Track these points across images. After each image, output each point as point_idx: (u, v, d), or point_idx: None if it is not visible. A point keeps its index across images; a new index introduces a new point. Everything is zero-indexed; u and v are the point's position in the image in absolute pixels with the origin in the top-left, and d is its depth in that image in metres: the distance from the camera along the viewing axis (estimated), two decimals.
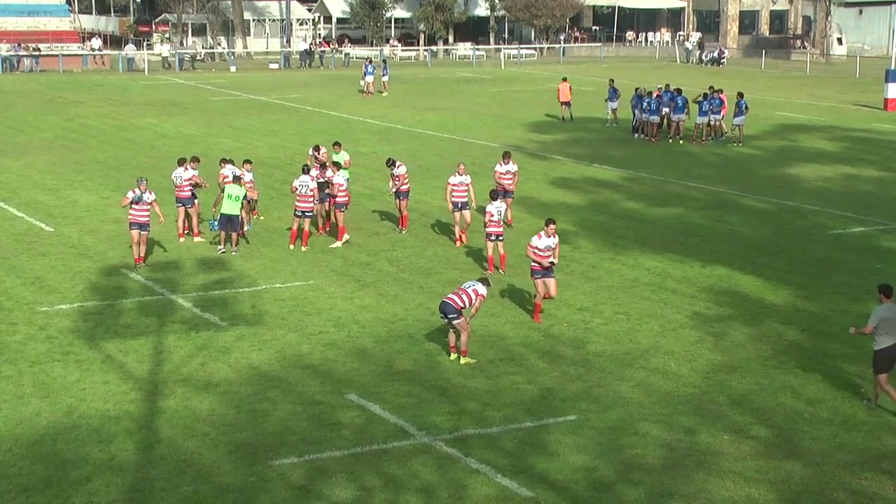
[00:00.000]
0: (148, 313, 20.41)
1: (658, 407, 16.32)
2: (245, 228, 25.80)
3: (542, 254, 19.87)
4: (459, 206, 25.27)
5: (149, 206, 23.29)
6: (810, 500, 13.61)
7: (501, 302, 21.27)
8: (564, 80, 49.55)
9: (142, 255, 23.46)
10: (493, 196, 23.19)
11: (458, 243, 25.60)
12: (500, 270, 23.02)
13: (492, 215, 22.65)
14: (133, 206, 23.13)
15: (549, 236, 20.00)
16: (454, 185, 25.13)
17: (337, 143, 28.75)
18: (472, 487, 13.74)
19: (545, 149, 40.90)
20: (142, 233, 23.29)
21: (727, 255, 25.01)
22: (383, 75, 59.57)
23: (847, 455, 14.79)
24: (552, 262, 20.01)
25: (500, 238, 23.05)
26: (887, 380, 15.98)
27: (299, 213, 24.93)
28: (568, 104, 48.41)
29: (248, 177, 26.20)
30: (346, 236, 25.46)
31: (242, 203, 24.68)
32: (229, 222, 24.41)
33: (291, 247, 25.01)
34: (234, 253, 24.54)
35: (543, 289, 20.03)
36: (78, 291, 21.80)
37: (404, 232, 26.72)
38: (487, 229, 22.81)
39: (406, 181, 26.61)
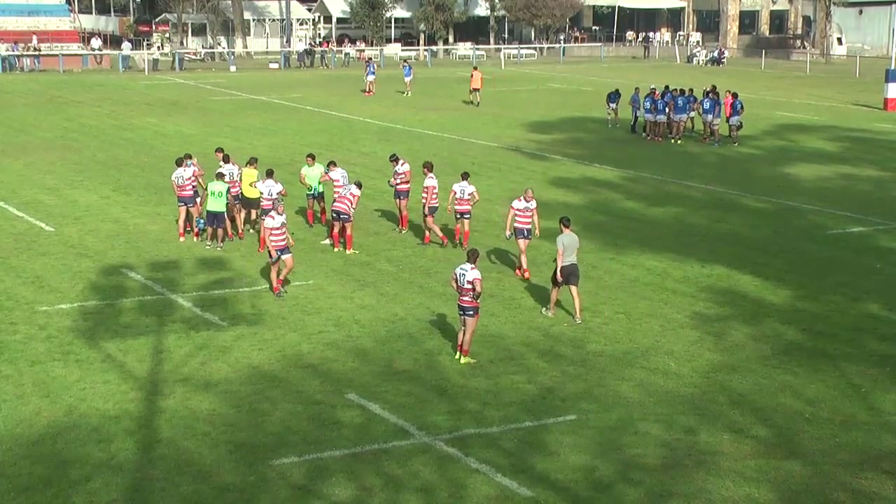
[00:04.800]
0: (148, 313, 20.41)
1: (658, 407, 16.32)
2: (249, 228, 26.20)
3: None
4: (525, 233, 22.86)
5: (284, 227, 21.73)
6: (810, 500, 13.61)
7: (501, 302, 21.27)
8: (475, 68, 56.57)
9: (280, 279, 21.74)
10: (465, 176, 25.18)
11: (523, 274, 23.00)
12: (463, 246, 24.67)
13: (455, 193, 24.67)
14: (273, 230, 21.43)
15: None
16: (518, 210, 22.75)
17: (310, 156, 27.94)
18: (472, 487, 13.74)
19: (544, 149, 40.90)
20: (283, 257, 21.56)
21: (727, 255, 25.02)
22: (406, 76, 59.00)
23: (847, 455, 14.79)
24: None
25: (466, 216, 24.99)
26: (578, 292, 20.31)
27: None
28: (477, 90, 54.03)
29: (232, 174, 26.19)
30: (327, 241, 25.54)
31: (228, 199, 24.95)
32: (215, 218, 24.86)
33: (261, 250, 24.81)
34: (219, 248, 24.84)
35: None
36: (78, 291, 21.81)
37: (404, 232, 26.71)
38: (456, 207, 24.77)
39: (407, 180, 26.44)
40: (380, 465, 14.29)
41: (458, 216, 25.01)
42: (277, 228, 21.42)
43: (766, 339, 19.34)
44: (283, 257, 21.54)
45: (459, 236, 25.31)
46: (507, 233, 23.02)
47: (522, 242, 22.96)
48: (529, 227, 22.90)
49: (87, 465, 14.19)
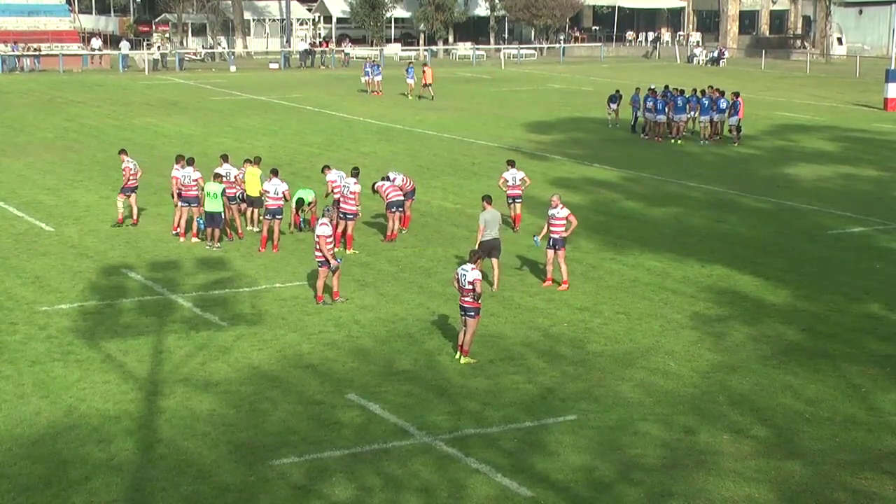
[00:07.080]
0: (148, 313, 20.41)
1: (658, 407, 16.32)
2: (251, 228, 26.43)
3: None
4: (550, 242, 22.08)
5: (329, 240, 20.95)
6: (810, 500, 13.61)
7: (501, 302, 21.27)
8: (426, 64, 61.33)
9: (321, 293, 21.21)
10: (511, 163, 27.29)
11: (550, 283, 22.38)
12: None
13: (506, 180, 26.75)
14: (325, 239, 20.71)
15: None
16: (547, 216, 22.24)
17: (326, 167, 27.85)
18: (472, 487, 13.74)
19: (545, 149, 40.90)
20: (320, 269, 20.98)
21: (727, 255, 25.02)
22: (408, 77, 58.00)
23: (847, 455, 14.79)
24: None
25: (518, 200, 26.95)
26: (497, 264, 21.83)
27: (269, 216, 25.12)
28: (429, 86, 56.76)
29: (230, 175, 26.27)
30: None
31: (223, 200, 25.05)
32: (212, 219, 24.94)
33: (262, 250, 24.93)
34: (216, 248, 24.91)
35: None
36: (78, 291, 21.81)
37: (404, 232, 26.69)
38: (509, 192, 26.83)
39: (390, 192, 25.50)
40: (380, 465, 14.29)
41: (511, 201, 26.83)
42: (328, 237, 20.73)
43: (766, 339, 19.34)
44: (319, 269, 21.07)
45: (519, 223, 26.89)
46: (538, 237, 22.28)
47: (550, 253, 22.14)
48: (557, 235, 21.93)
49: (87, 465, 14.19)
